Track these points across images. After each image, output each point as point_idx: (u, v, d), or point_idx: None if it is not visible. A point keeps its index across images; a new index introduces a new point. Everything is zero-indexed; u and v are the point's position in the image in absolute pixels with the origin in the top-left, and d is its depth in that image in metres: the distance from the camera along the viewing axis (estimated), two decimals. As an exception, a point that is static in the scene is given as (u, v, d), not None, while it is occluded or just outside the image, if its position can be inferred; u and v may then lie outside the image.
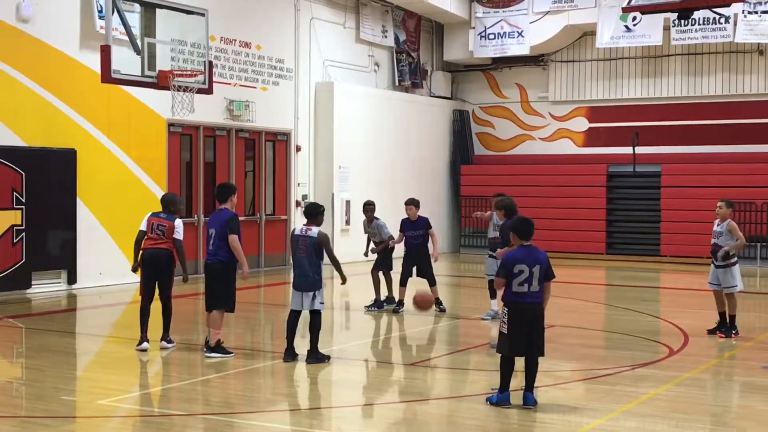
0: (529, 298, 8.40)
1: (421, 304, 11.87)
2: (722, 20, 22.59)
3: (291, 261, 10.94)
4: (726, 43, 23.75)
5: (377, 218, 14.86)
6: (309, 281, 10.33)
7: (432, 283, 14.48)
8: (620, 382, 9.62)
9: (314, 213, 10.53)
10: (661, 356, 11.18)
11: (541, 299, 8.48)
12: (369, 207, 14.93)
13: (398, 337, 13.19)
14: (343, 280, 10.71)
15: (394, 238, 14.76)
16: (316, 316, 10.43)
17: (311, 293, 10.35)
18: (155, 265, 10.97)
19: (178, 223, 11.04)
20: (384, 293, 14.84)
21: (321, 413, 8.71)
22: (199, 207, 19.57)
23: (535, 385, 8.55)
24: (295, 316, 10.52)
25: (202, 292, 11.35)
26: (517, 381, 8.61)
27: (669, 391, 9.27)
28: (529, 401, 8.39)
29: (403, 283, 14.44)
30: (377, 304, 14.70)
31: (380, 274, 14.79)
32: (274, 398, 9.27)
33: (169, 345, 11.18)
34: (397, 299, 14.56)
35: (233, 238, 10.58)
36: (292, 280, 10.49)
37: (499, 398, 8.41)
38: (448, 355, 11.49)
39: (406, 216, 14.65)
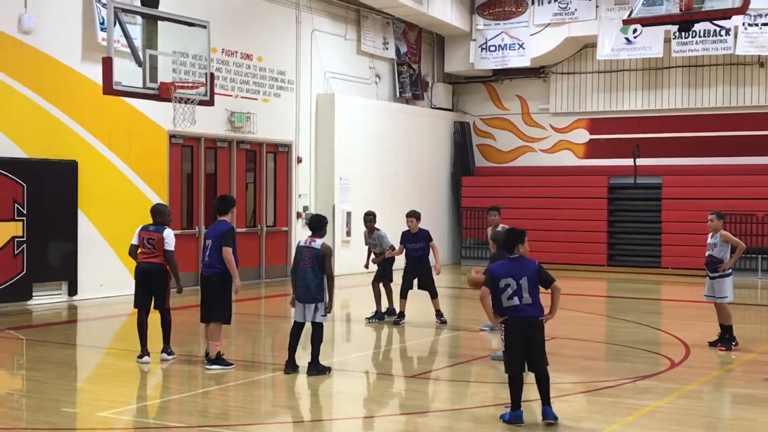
0: (522, 312, 8.25)
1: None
2: (723, 32, 22.63)
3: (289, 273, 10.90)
4: (726, 56, 23.77)
5: (378, 229, 14.85)
6: (311, 293, 10.31)
7: (433, 295, 14.47)
8: (622, 395, 9.60)
9: (319, 225, 10.50)
10: (662, 368, 11.16)
11: (537, 312, 8.31)
12: (369, 217, 14.92)
13: (399, 349, 13.17)
14: (329, 307, 10.43)
15: (394, 248, 14.75)
16: (318, 328, 10.41)
17: (313, 305, 10.32)
18: (148, 279, 10.97)
19: (168, 233, 10.96)
20: (385, 305, 14.82)
21: (322, 425, 8.69)
22: (200, 218, 19.56)
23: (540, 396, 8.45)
24: (298, 328, 10.49)
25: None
26: (530, 393, 8.53)
27: (671, 404, 9.25)
28: (549, 416, 8.19)
29: (403, 296, 14.42)
30: (378, 316, 14.68)
31: (381, 285, 14.78)
32: (274, 410, 9.25)
33: (170, 357, 11.16)
34: (397, 311, 14.54)
35: (227, 251, 10.52)
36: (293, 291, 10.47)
37: (512, 416, 8.25)
38: (449, 367, 11.47)
39: (407, 228, 14.64)
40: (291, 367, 10.43)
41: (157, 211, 11.25)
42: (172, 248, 10.92)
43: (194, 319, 14.36)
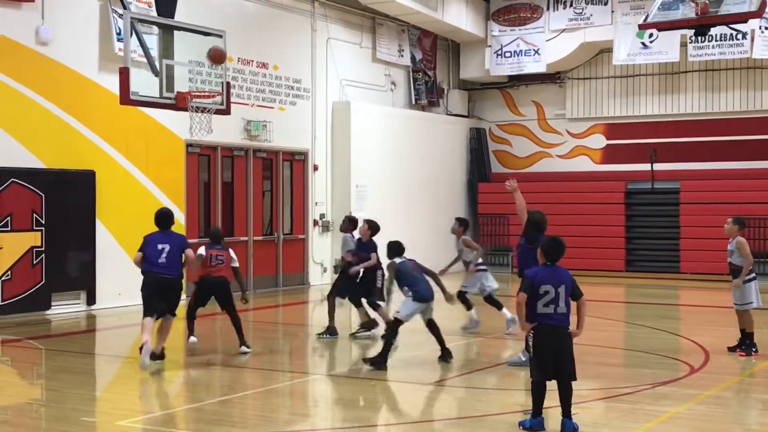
0: (554, 321, 8.18)
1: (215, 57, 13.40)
2: (739, 36, 22.55)
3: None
4: (743, 59, 23.67)
5: (351, 235, 14.00)
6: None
7: (359, 305, 13.83)
8: (641, 401, 9.55)
9: (399, 251, 11.90)
10: (681, 374, 11.11)
11: (567, 322, 8.24)
12: (345, 219, 14.21)
13: (416, 356, 13.12)
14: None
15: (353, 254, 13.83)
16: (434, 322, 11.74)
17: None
18: (215, 291, 12.21)
19: (232, 252, 12.34)
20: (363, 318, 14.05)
21: (340, 433, 8.70)
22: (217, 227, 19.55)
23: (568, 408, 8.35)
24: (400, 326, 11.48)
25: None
26: (549, 400, 8.48)
27: (690, 410, 9.20)
28: (567, 428, 8.11)
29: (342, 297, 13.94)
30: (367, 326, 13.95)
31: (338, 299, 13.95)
32: (292, 418, 9.25)
33: (248, 350, 12.18)
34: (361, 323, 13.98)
35: (191, 252, 11.64)
36: (415, 294, 11.35)
37: (533, 423, 8.19)
38: (467, 374, 11.44)
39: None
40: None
41: (222, 233, 13.05)
42: (238, 264, 12.38)
43: (203, 330, 14.40)
